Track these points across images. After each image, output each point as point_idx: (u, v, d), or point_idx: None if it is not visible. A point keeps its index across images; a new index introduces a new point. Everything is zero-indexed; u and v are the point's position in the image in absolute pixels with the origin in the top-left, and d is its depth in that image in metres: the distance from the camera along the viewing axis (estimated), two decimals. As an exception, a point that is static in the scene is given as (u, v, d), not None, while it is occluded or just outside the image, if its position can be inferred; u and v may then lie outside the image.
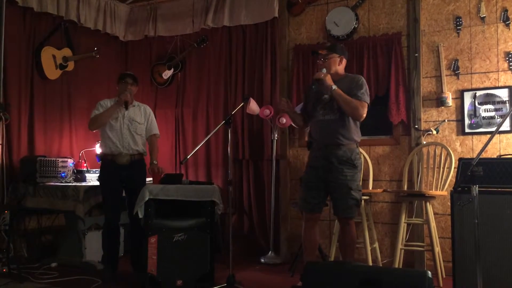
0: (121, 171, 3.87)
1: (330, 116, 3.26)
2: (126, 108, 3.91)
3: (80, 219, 4.25)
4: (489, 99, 4.02)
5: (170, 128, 5.49)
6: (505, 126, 3.91)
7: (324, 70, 3.22)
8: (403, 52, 4.32)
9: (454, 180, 3.56)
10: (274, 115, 4.65)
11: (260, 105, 4.77)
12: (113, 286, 3.72)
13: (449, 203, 3.50)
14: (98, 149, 4.95)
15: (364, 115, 3.23)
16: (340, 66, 3.35)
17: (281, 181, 4.81)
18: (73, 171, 4.66)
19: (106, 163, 3.94)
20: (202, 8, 5.32)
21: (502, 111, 3.97)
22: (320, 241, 4.32)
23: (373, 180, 4.33)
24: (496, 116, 3.99)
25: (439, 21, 4.24)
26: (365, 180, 4.32)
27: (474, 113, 4.06)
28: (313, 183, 3.29)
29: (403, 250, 3.89)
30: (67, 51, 5.03)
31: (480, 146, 3.97)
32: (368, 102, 3.26)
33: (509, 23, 3.97)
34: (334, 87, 3.15)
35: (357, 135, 3.30)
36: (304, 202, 3.33)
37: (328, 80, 3.17)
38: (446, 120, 4.18)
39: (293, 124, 4.58)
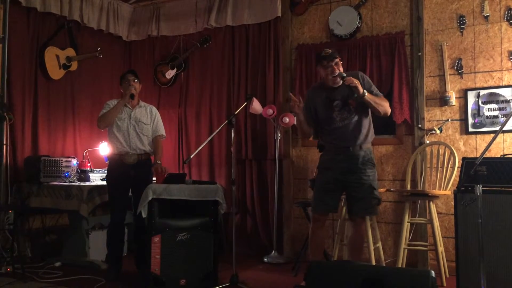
0: (128, 171, 3.89)
1: (349, 120, 3.22)
2: (133, 98, 3.94)
3: (84, 218, 4.27)
4: (492, 98, 4.01)
5: (173, 128, 5.50)
6: (509, 126, 3.89)
7: (344, 74, 3.15)
8: (406, 51, 4.31)
9: (457, 179, 3.56)
10: (277, 115, 4.65)
11: (263, 104, 4.78)
12: (117, 285, 3.73)
13: (452, 203, 3.50)
14: (102, 149, 4.97)
15: (390, 108, 3.29)
16: None
17: (284, 180, 4.81)
18: (77, 171, 4.68)
19: (114, 163, 3.96)
20: (205, 7, 5.33)
21: (505, 110, 3.96)
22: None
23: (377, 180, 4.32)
24: (500, 115, 3.98)
25: (442, 20, 4.23)
26: (368, 179, 4.32)
27: (477, 112, 4.05)
28: (331, 184, 3.26)
29: (406, 250, 3.88)
30: (70, 51, 5.05)
31: (484, 145, 3.96)
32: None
33: (513, 22, 3.96)
34: (365, 92, 3.12)
35: (373, 134, 3.34)
36: (321, 203, 3.29)
37: (359, 86, 3.10)
38: (449, 120, 4.17)
39: (298, 131, 4.52)
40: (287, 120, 4.54)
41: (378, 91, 3.29)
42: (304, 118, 3.34)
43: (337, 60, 3.21)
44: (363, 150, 3.22)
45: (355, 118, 3.23)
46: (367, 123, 3.27)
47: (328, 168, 3.30)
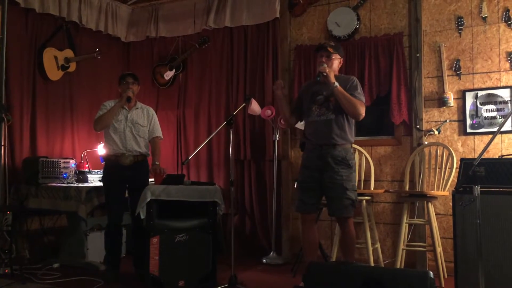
0: (124, 172, 3.89)
1: (325, 117, 3.27)
2: (129, 102, 3.93)
3: (82, 219, 4.26)
4: (490, 99, 4.02)
5: (171, 129, 5.50)
6: (507, 126, 3.91)
7: (325, 65, 3.23)
8: (404, 52, 4.31)
9: (455, 180, 3.56)
10: (276, 116, 4.65)
11: (262, 105, 4.78)
12: (116, 286, 3.73)
13: (450, 204, 3.50)
14: (100, 150, 4.97)
15: (363, 114, 3.25)
16: (338, 67, 3.40)
17: (283, 181, 4.81)
18: (75, 172, 4.67)
19: (110, 164, 3.96)
20: (204, 8, 5.33)
21: (503, 111, 3.96)
22: (321, 241, 4.33)
23: (375, 181, 4.33)
24: (498, 116, 3.98)
25: (440, 21, 4.24)
26: (367, 180, 4.32)
27: (475, 113, 4.06)
28: (309, 183, 3.29)
29: (404, 251, 3.89)
30: (69, 52, 5.04)
31: (482, 146, 3.97)
32: (365, 102, 3.31)
33: (511, 23, 3.97)
34: (336, 84, 3.16)
35: (351, 136, 3.32)
36: (301, 203, 3.32)
37: (332, 76, 3.18)
38: (447, 120, 4.18)
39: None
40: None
41: (359, 96, 3.25)
42: (286, 103, 3.50)
43: (329, 53, 3.28)
44: (337, 150, 3.22)
45: (332, 116, 3.25)
46: (344, 124, 3.26)
47: (306, 166, 3.34)
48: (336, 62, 3.35)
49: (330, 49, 3.28)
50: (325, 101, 3.28)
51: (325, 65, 3.23)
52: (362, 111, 3.22)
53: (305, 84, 3.70)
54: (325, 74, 3.17)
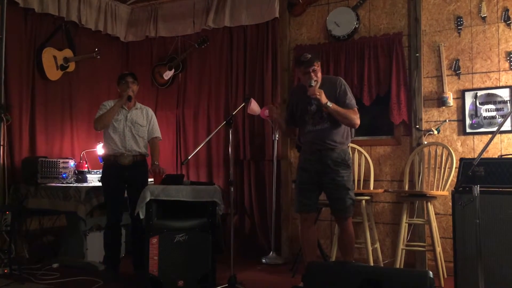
0: (123, 172, 3.89)
1: (321, 126, 3.28)
2: (130, 101, 3.94)
3: (82, 219, 4.25)
4: (490, 99, 4.02)
5: (171, 129, 5.50)
6: (506, 126, 3.91)
7: (313, 83, 3.19)
8: (404, 52, 4.31)
9: (455, 180, 3.56)
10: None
11: (261, 105, 4.77)
12: (115, 286, 3.73)
13: (450, 203, 3.50)
14: (99, 150, 4.97)
15: (359, 123, 3.28)
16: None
17: (282, 181, 4.81)
18: (74, 172, 4.67)
19: (109, 164, 3.96)
20: (203, 8, 5.32)
21: (503, 111, 3.97)
22: (321, 241, 4.33)
23: (374, 180, 4.32)
24: (497, 116, 3.98)
25: (440, 21, 4.24)
26: (366, 180, 4.32)
27: (475, 113, 4.06)
28: (307, 184, 3.32)
29: (404, 250, 3.89)
30: (68, 52, 5.04)
31: (481, 146, 3.97)
32: (356, 105, 3.32)
33: (510, 22, 3.97)
34: (329, 104, 3.16)
35: (348, 138, 3.36)
36: (300, 204, 3.35)
37: (323, 97, 3.15)
38: (447, 120, 4.18)
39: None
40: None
41: (351, 102, 3.28)
42: (284, 121, 3.53)
43: (314, 67, 3.23)
44: (336, 152, 3.25)
45: (327, 124, 3.27)
46: (340, 130, 3.29)
47: (304, 168, 3.37)
48: (320, 70, 3.31)
49: (316, 64, 3.23)
50: (317, 111, 3.29)
51: (313, 82, 3.18)
52: (357, 120, 3.26)
53: (294, 89, 3.66)
54: (316, 99, 3.16)
